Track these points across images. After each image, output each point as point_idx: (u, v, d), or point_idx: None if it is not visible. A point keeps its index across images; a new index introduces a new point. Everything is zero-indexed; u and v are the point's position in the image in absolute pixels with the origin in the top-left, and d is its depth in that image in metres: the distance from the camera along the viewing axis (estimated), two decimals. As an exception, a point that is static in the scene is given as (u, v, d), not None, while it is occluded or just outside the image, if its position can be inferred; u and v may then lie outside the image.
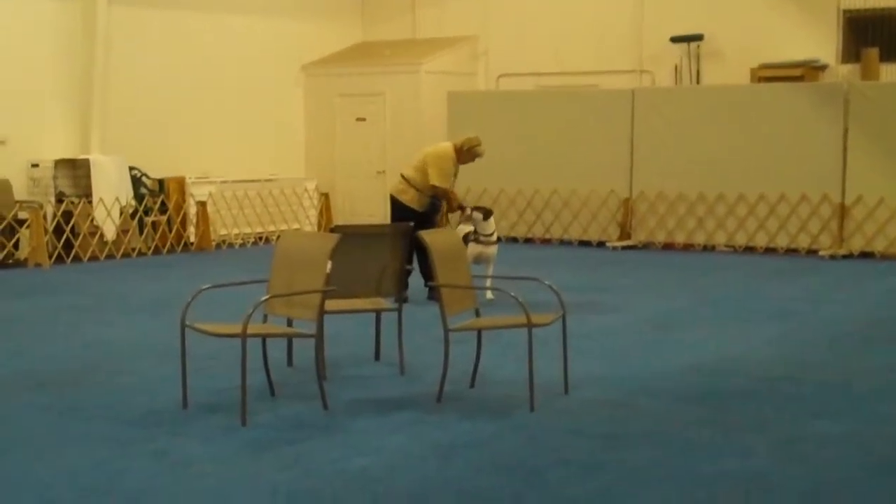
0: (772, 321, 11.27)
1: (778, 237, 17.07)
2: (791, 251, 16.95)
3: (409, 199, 12.38)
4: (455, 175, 12.56)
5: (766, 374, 8.84)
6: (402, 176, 12.55)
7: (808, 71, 17.60)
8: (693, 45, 18.60)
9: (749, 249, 17.25)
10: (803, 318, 11.46)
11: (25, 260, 15.47)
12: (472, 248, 12.03)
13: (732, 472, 6.34)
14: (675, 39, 18.64)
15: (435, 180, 12.29)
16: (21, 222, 15.48)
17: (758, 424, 7.35)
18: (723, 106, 17.38)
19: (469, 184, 18.14)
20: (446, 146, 12.61)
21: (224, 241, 18.08)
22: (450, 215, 14.88)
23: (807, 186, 16.75)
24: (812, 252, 16.72)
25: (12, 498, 5.96)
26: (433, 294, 11.53)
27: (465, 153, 12.44)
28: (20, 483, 6.16)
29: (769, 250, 17.11)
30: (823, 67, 17.80)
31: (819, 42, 17.88)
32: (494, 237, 12.32)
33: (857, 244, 16.53)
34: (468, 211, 12.38)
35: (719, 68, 18.41)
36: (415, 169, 12.45)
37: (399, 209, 12.40)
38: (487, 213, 12.37)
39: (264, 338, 7.92)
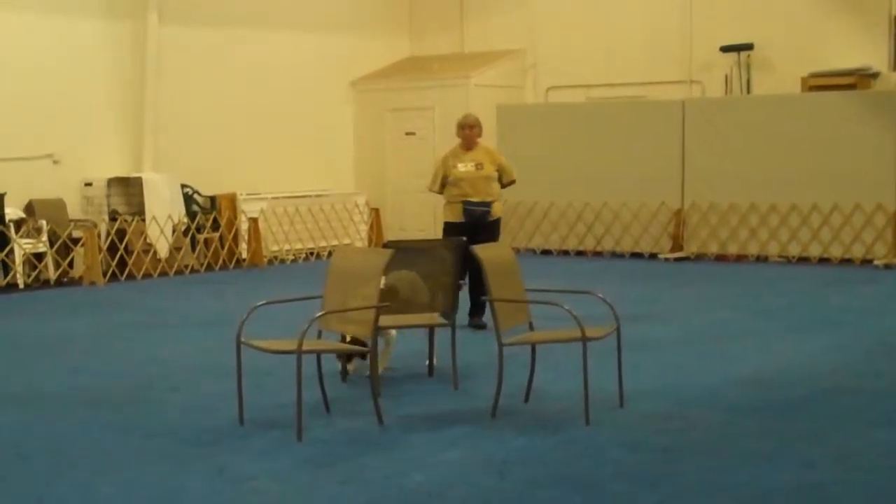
0: (827, 331, 11.18)
1: (832, 247, 16.91)
2: (845, 261, 16.79)
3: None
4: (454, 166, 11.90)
5: (823, 385, 8.77)
6: (493, 200, 11.74)
7: (860, 79, 17.45)
8: (743, 54, 18.50)
9: (802, 260, 17.11)
10: (859, 328, 11.36)
11: (80, 278, 15.63)
12: None
13: (791, 484, 6.28)
14: (724, 49, 18.54)
15: (514, 173, 11.89)
16: (76, 241, 15.65)
17: (815, 436, 7.29)
18: (774, 115, 17.27)
19: (521, 197, 18.13)
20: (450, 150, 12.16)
21: (276, 258, 18.17)
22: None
23: (860, 195, 16.60)
24: (867, 261, 16.56)
25: (73, 515, 6.03)
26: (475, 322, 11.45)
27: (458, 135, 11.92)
28: (81, 500, 6.22)
29: (823, 260, 16.96)
30: (875, 75, 17.64)
31: (870, 50, 17.71)
32: None
33: (912, 253, 16.39)
34: None
35: (770, 77, 18.30)
36: (493, 184, 11.80)
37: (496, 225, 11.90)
38: None
39: (319, 354, 7.96)
